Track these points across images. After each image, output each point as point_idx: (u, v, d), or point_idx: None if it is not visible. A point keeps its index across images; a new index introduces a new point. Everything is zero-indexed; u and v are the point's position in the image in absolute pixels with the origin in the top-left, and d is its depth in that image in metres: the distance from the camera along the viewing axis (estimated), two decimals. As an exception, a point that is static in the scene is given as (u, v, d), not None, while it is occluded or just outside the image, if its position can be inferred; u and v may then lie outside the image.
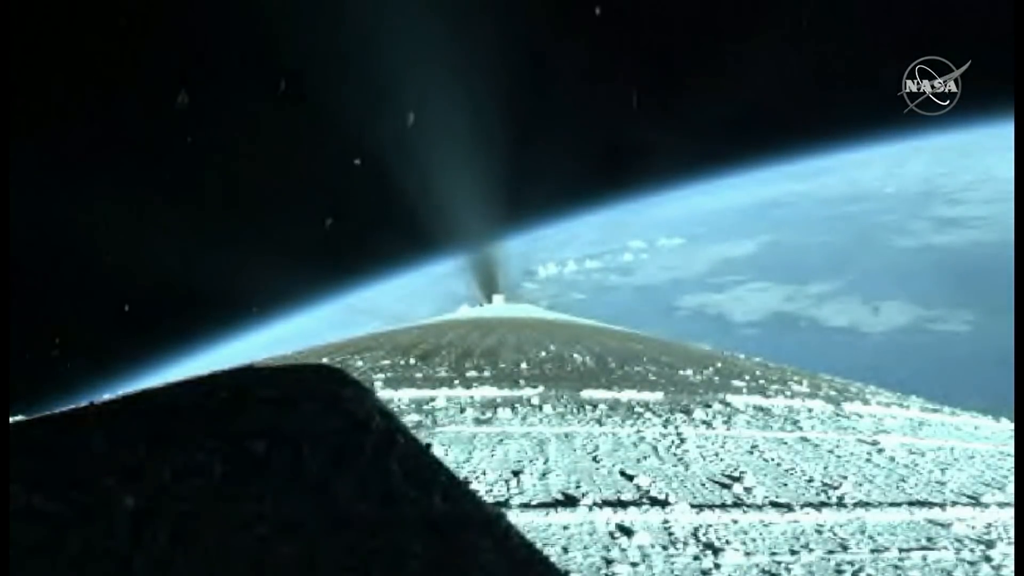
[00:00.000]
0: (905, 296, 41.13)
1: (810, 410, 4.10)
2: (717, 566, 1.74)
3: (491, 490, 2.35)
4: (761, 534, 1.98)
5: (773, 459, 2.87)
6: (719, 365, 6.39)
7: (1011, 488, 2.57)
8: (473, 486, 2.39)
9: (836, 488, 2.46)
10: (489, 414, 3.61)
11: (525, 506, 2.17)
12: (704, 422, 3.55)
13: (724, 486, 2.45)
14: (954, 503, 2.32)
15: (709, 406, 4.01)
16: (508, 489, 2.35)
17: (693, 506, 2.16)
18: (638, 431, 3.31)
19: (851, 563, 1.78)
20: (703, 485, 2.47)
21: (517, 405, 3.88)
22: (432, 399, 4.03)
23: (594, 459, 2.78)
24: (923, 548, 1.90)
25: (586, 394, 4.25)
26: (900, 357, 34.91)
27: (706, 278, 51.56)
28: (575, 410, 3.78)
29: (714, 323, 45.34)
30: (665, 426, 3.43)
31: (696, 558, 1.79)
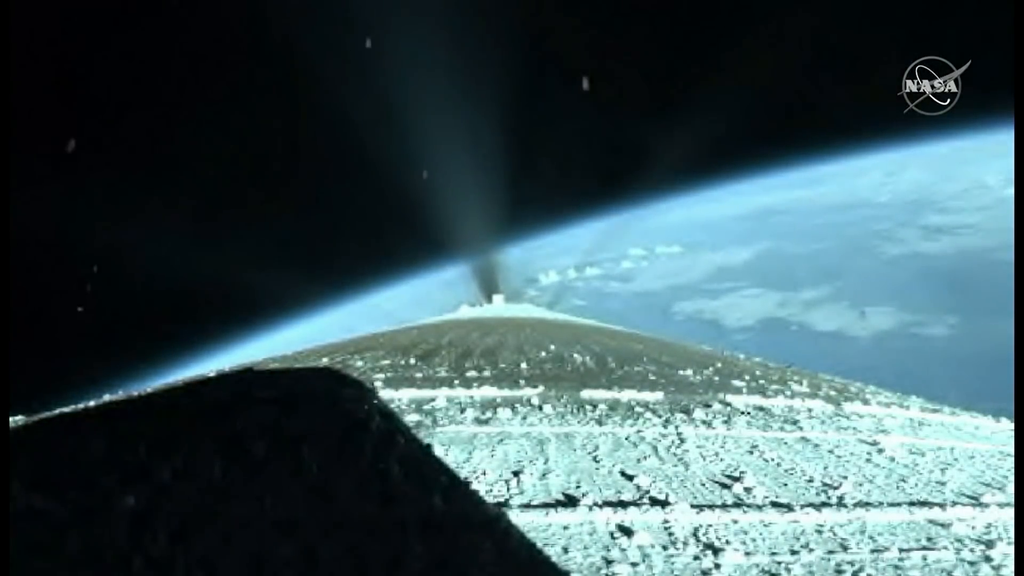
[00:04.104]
0: (891, 301, 42.77)
1: (810, 410, 4.10)
2: (717, 566, 1.74)
3: (491, 490, 2.35)
4: (761, 534, 1.98)
5: (773, 459, 2.87)
6: (719, 365, 6.39)
7: (1011, 488, 2.57)
8: (473, 486, 2.39)
9: (836, 488, 2.46)
10: (489, 414, 3.61)
11: (525, 506, 2.17)
12: (704, 422, 3.55)
13: (724, 486, 2.45)
14: (954, 503, 2.32)
15: (709, 406, 4.01)
16: (508, 489, 2.35)
17: (693, 506, 2.16)
18: (638, 431, 3.31)
19: (851, 563, 1.78)
20: (703, 485, 2.47)
21: (517, 405, 3.87)
22: (432, 399, 4.03)
23: (594, 459, 2.78)
24: (923, 548, 1.90)
25: (586, 394, 4.25)
26: (885, 359, 36.09)
27: (702, 284, 52.49)
28: (575, 410, 3.77)
29: (709, 328, 46.41)
30: (665, 426, 3.43)
31: (696, 558, 1.79)
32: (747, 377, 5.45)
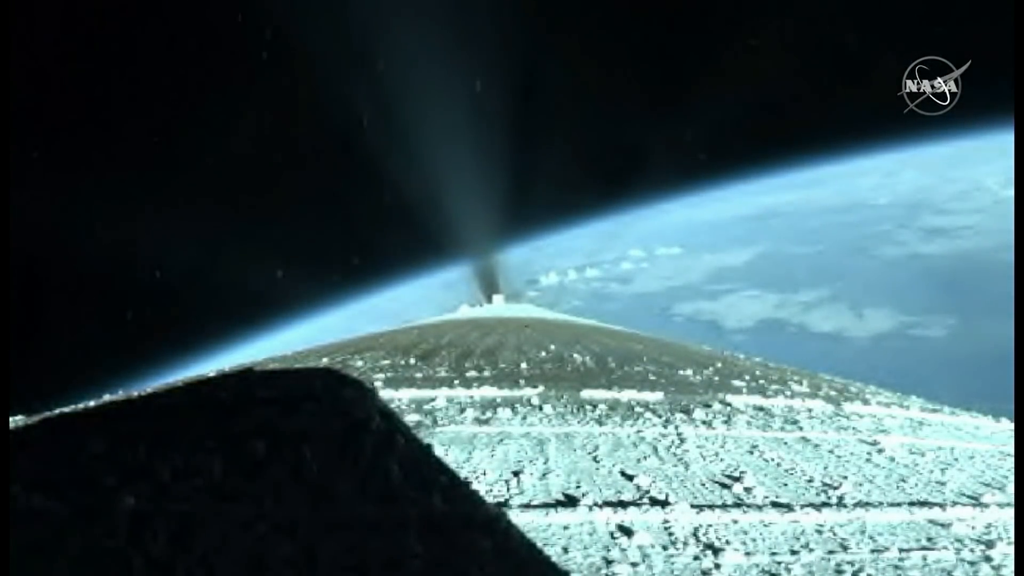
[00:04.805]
0: (890, 303, 43.10)
1: (810, 410, 4.10)
2: (717, 566, 1.74)
3: (491, 490, 2.35)
4: (761, 534, 1.98)
5: (773, 459, 2.87)
6: (719, 365, 6.39)
7: (1011, 488, 2.57)
8: (473, 486, 2.39)
9: (836, 488, 2.46)
10: (489, 414, 3.61)
11: (525, 506, 2.17)
12: (704, 422, 3.55)
13: (724, 486, 2.45)
14: (954, 503, 2.32)
15: (709, 406, 4.01)
16: (508, 489, 2.35)
17: (693, 506, 2.16)
18: (638, 431, 3.31)
19: (851, 563, 1.78)
20: (703, 485, 2.47)
21: (517, 405, 3.87)
22: (432, 399, 4.03)
23: (594, 459, 2.78)
24: (923, 548, 1.90)
25: (586, 394, 4.25)
26: (883, 361, 36.52)
27: (701, 286, 52.83)
28: (575, 410, 3.77)
29: (707, 329, 46.71)
30: (665, 426, 3.43)
31: (696, 558, 1.79)
32: (747, 377, 5.45)
